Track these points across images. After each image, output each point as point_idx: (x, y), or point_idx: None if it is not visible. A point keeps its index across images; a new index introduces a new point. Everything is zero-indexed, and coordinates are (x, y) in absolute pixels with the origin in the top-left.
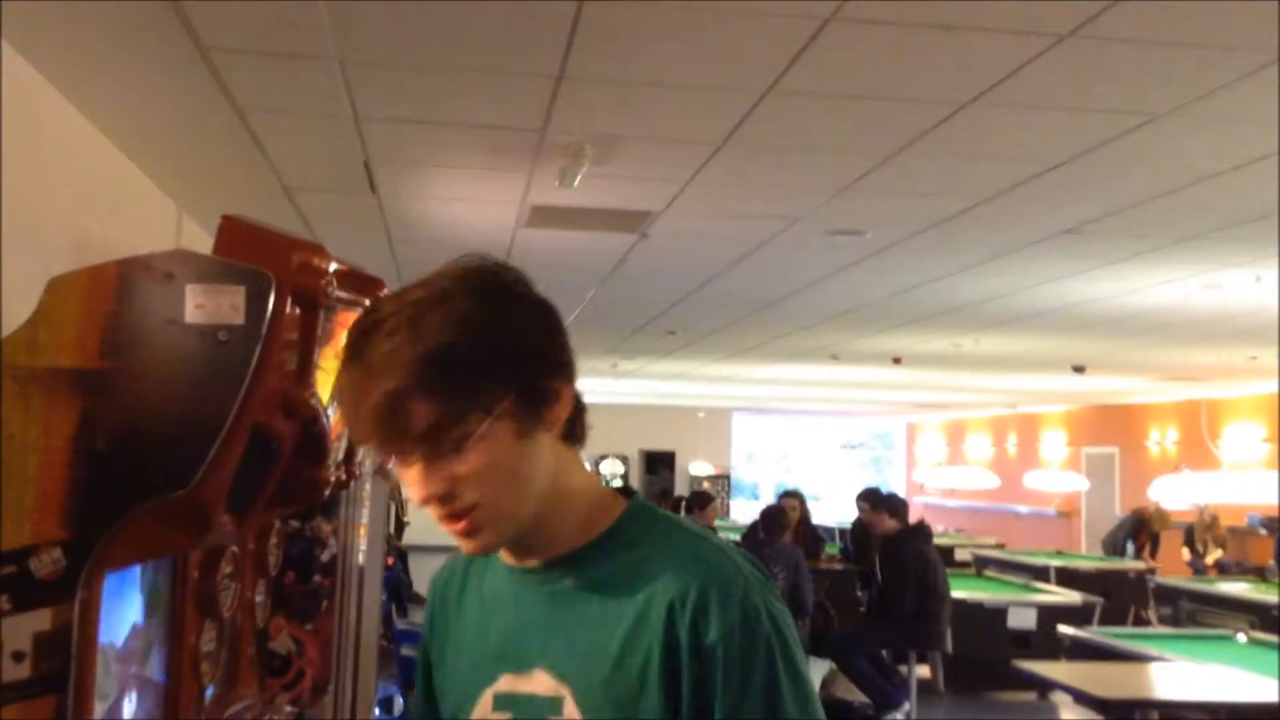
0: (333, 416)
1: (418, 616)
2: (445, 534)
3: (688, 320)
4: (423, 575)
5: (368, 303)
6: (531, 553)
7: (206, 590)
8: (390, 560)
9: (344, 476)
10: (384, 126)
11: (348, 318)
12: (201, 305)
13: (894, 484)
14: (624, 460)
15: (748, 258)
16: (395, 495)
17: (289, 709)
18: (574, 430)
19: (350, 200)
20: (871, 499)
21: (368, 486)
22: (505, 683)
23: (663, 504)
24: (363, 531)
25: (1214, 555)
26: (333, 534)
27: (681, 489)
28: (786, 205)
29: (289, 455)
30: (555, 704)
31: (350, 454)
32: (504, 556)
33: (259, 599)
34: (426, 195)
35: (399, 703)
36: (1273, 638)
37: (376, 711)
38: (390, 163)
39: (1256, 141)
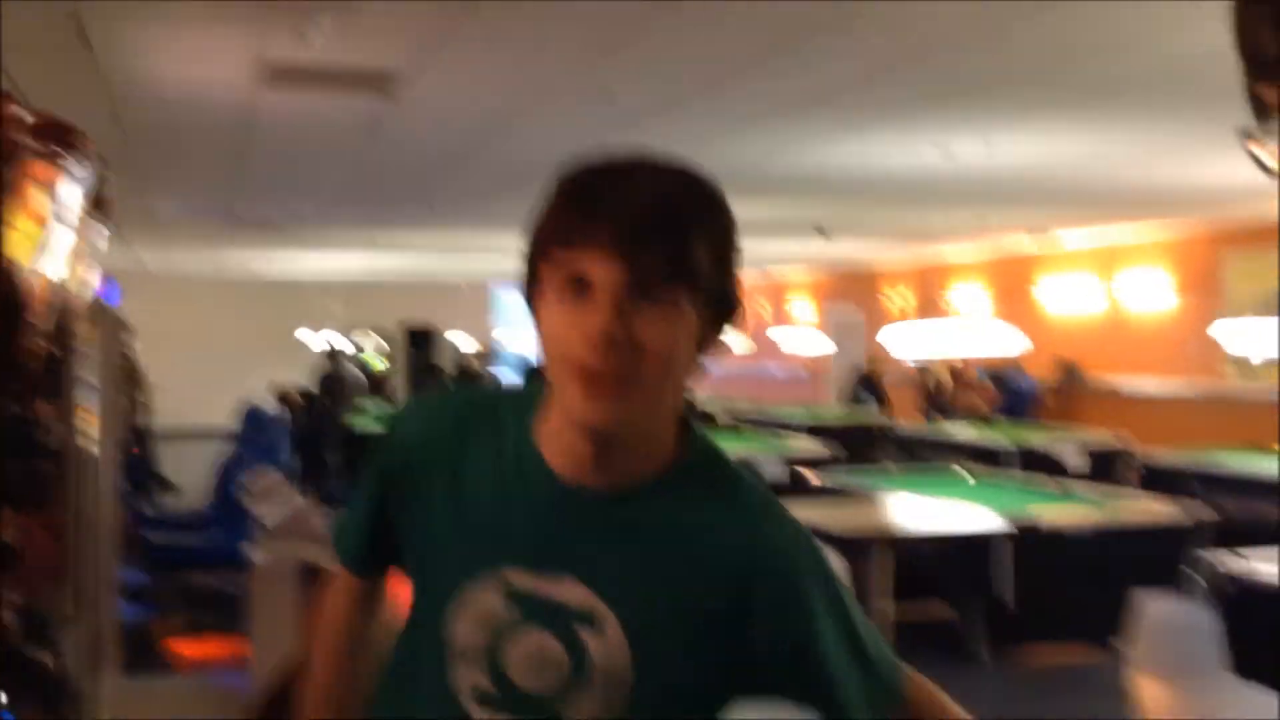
0: (38, 282)
1: (167, 502)
2: (195, 417)
3: (449, 192)
4: (170, 460)
5: (62, 151)
6: (609, 470)
7: None
8: (136, 449)
9: (55, 350)
10: None
11: (42, 170)
12: None
13: None
14: (384, 336)
15: (508, 125)
16: (134, 377)
17: (17, 600)
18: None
19: (64, 58)
20: None
21: (94, 369)
22: (520, 578)
23: (431, 378)
24: (90, 414)
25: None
26: (56, 417)
27: (446, 364)
28: (541, 68)
29: None
30: (589, 619)
31: (64, 330)
32: (561, 468)
33: None
34: (150, 50)
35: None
36: (998, 476)
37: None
38: (103, 14)
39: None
